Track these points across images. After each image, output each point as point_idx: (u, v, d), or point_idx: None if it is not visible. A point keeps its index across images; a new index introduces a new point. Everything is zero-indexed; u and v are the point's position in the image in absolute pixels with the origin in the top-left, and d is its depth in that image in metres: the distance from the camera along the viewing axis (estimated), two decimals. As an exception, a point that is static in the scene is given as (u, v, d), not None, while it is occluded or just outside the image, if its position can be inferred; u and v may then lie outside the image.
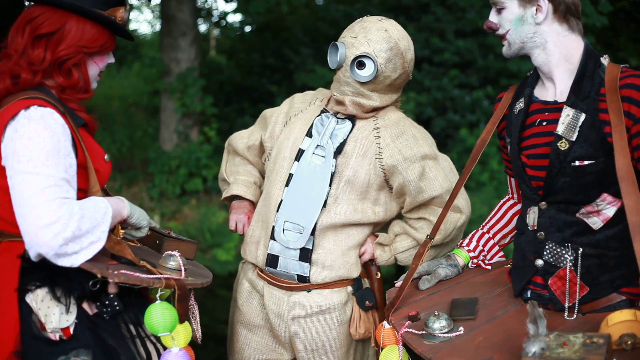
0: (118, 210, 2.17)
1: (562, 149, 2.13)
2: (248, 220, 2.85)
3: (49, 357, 2.05)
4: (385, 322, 2.36)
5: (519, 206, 2.54)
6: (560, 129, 2.15)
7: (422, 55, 10.69)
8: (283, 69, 12.30)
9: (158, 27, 14.72)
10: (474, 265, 2.55)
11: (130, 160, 10.71)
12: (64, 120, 2.10)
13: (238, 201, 2.91)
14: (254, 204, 2.90)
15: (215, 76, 12.71)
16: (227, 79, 13.04)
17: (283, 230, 2.64)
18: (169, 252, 2.17)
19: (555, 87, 2.24)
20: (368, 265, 2.75)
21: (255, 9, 10.05)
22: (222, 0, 13.80)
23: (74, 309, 2.11)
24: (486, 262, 2.55)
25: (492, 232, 2.58)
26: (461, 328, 2.15)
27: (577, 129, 2.12)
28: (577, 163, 2.12)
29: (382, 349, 2.36)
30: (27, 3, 2.22)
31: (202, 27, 16.61)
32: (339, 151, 2.65)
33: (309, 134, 2.71)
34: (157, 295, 2.09)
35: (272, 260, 2.68)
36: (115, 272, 2.00)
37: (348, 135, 2.66)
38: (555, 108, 2.21)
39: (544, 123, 2.22)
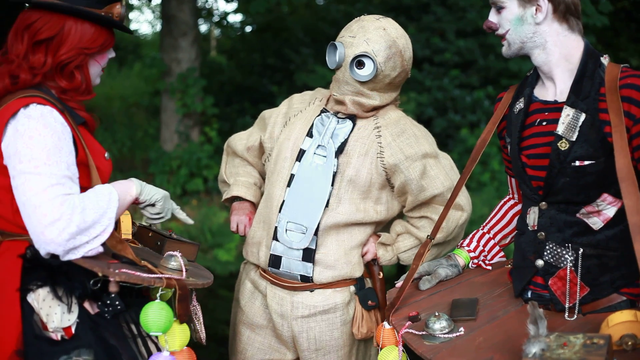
0: (125, 191, 2.18)
1: (562, 149, 2.13)
2: (249, 221, 2.85)
3: (51, 357, 2.05)
4: (385, 323, 2.36)
5: (519, 206, 2.54)
6: (560, 129, 2.15)
7: (422, 55, 10.68)
8: (284, 69, 12.31)
9: (159, 27, 14.72)
10: (475, 266, 2.55)
11: (131, 161, 10.71)
12: (63, 119, 2.11)
13: (238, 202, 2.91)
14: (254, 205, 2.90)
15: (216, 76, 12.71)
16: (227, 79, 13.05)
17: (286, 230, 2.64)
18: (170, 253, 2.17)
19: (556, 87, 2.23)
20: (370, 265, 2.75)
21: (256, 9, 10.05)
22: (223, 0, 13.79)
23: (75, 309, 2.11)
24: (487, 262, 2.55)
25: (492, 232, 2.58)
26: (461, 329, 2.15)
27: (577, 129, 2.12)
28: (577, 163, 2.12)
29: (381, 349, 2.36)
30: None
31: (203, 27, 16.62)
32: (340, 151, 2.65)
33: (310, 134, 2.71)
34: (158, 295, 2.09)
35: (275, 260, 2.68)
36: (117, 271, 2.00)
37: (349, 135, 2.67)
38: (555, 108, 2.21)
39: (544, 123, 2.22)
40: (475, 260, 2.55)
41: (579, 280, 2.16)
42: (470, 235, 2.61)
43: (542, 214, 2.23)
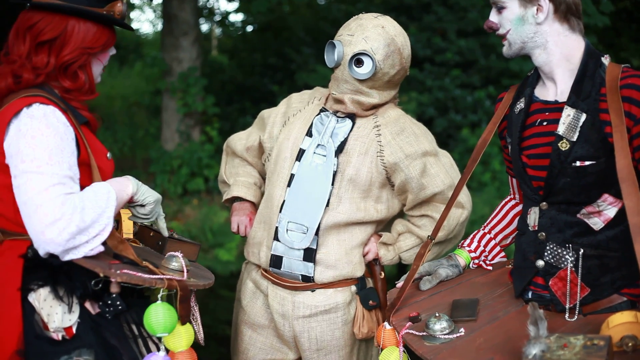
0: (122, 189, 2.18)
1: (563, 149, 2.13)
2: (250, 222, 2.85)
3: (52, 357, 2.05)
4: (386, 323, 2.36)
5: (520, 207, 2.54)
6: (561, 129, 2.15)
7: (423, 55, 10.68)
8: (285, 68, 12.31)
9: (160, 26, 14.72)
10: (475, 266, 2.55)
11: (131, 160, 10.71)
12: (66, 118, 2.11)
13: (239, 203, 2.91)
14: (255, 205, 2.90)
15: (217, 76, 12.71)
16: (228, 79, 13.05)
17: (287, 230, 2.64)
18: (172, 253, 2.17)
19: (556, 87, 2.23)
20: (372, 265, 2.75)
21: (257, 9, 10.05)
22: (224, -1, 13.83)
23: (76, 309, 2.12)
24: (487, 262, 2.55)
25: (493, 232, 2.58)
26: (462, 329, 2.15)
27: (578, 129, 2.12)
28: (577, 163, 2.12)
29: (382, 350, 2.36)
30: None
31: (204, 27, 16.61)
32: (340, 150, 2.65)
33: (309, 133, 2.70)
34: (159, 296, 2.09)
35: (276, 261, 2.68)
36: (118, 272, 2.01)
37: (349, 134, 2.67)
38: (555, 108, 2.21)
39: (545, 123, 2.22)
40: (476, 261, 2.55)
41: (579, 280, 2.16)
42: (471, 236, 2.61)
43: (542, 214, 2.23)
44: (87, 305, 2.16)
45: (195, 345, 2.24)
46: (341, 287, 2.71)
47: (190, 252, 2.46)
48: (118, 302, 2.14)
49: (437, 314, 2.16)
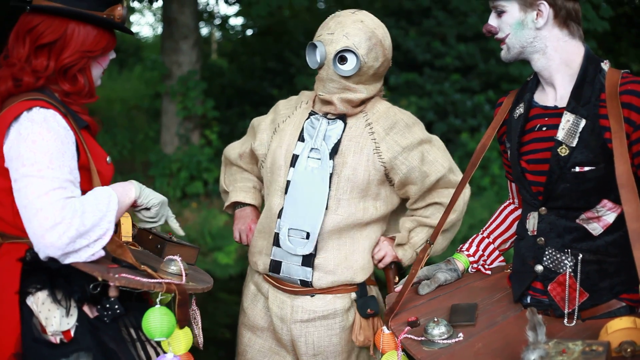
0: (124, 193, 2.18)
1: (562, 154, 2.13)
2: (250, 230, 2.85)
3: (50, 360, 2.05)
4: (384, 328, 2.36)
5: (519, 211, 2.54)
6: (560, 134, 2.15)
7: (423, 60, 10.70)
8: (284, 72, 12.32)
9: (160, 30, 14.73)
10: (474, 270, 2.55)
11: (131, 163, 10.71)
12: (66, 122, 2.11)
13: (240, 209, 2.93)
14: (257, 208, 2.91)
15: (216, 79, 12.73)
16: (228, 82, 13.06)
17: (288, 237, 2.64)
18: (170, 257, 2.17)
19: (556, 92, 2.23)
20: (387, 271, 2.75)
21: (257, 13, 10.05)
22: (224, 3, 13.80)
23: (74, 312, 2.11)
24: (486, 267, 2.55)
25: (492, 236, 2.57)
26: (460, 334, 2.15)
27: (578, 134, 2.12)
28: (577, 169, 2.12)
29: (382, 355, 2.36)
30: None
31: (204, 30, 16.63)
32: (334, 152, 2.64)
33: (301, 138, 2.69)
34: (158, 300, 2.09)
35: (275, 266, 2.68)
36: (116, 276, 2.00)
37: (342, 135, 2.66)
38: (555, 113, 2.21)
39: (544, 128, 2.22)
40: (475, 265, 2.55)
41: (578, 285, 2.16)
42: (470, 240, 2.61)
43: (541, 219, 2.23)
44: (86, 308, 2.15)
45: (193, 349, 2.24)
46: (341, 294, 2.70)
47: (189, 256, 2.46)
48: (116, 306, 2.14)
49: (435, 319, 2.15)
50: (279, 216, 2.66)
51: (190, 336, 2.18)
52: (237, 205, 2.95)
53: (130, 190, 2.22)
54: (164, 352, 2.17)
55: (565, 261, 2.18)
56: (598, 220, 2.16)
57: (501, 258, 2.58)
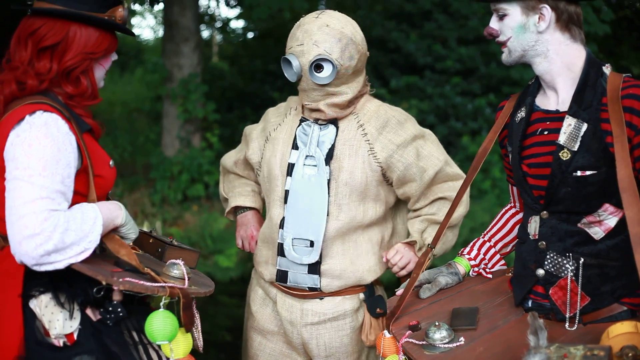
0: (111, 218, 2.16)
1: (564, 159, 2.13)
2: (252, 238, 2.85)
3: (53, 363, 2.05)
4: (385, 331, 2.36)
5: (521, 215, 2.54)
6: (562, 138, 2.15)
7: (424, 63, 10.70)
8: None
9: (161, 32, 14.75)
10: (475, 274, 2.55)
11: (132, 166, 10.72)
12: (68, 127, 2.10)
13: (241, 215, 2.93)
14: (258, 212, 2.92)
15: (217, 82, 12.74)
16: (229, 85, 13.07)
17: (292, 247, 2.64)
18: (173, 261, 2.17)
19: (558, 96, 2.23)
20: (404, 280, 2.69)
21: (258, 16, 10.05)
22: (225, 6, 13.82)
23: (77, 315, 2.12)
24: (487, 270, 2.54)
25: (493, 240, 2.57)
26: (462, 338, 2.15)
27: (579, 139, 2.12)
28: (578, 173, 2.12)
29: (383, 359, 2.36)
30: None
31: (205, 33, 16.66)
32: (329, 157, 2.63)
33: (295, 146, 2.68)
34: (161, 304, 2.09)
35: (282, 275, 2.69)
36: (120, 280, 2.01)
37: (335, 140, 2.64)
38: (556, 117, 2.21)
39: (546, 132, 2.22)
40: (476, 269, 2.54)
41: (579, 289, 2.15)
42: (471, 244, 2.61)
43: (543, 223, 2.22)
44: (88, 311, 2.15)
45: (193, 353, 2.24)
46: (349, 295, 2.71)
47: (190, 259, 2.46)
48: (119, 309, 2.14)
49: (437, 323, 2.15)
50: (281, 226, 2.66)
51: (190, 340, 2.19)
52: (237, 211, 2.95)
53: (118, 217, 2.19)
54: (167, 357, 2.18)
55: (567, 265, 2.17)
56: (600, 224, 2.16)
57: (502, 262, 2.58)
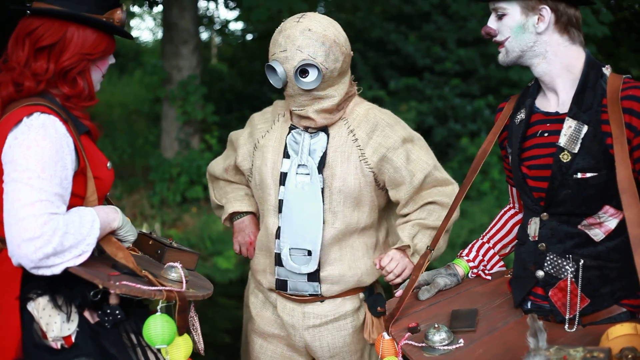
0: (108, 222, 2.15)
1: (565, 161, 2.13)
2: (250, 245, 2.84)
3: (51, 366, 2.05)
4: (385, 333, 2.35)
5: (520, 216, 2.54)
6: (562, 140, 2.15)
7: (423, 64, 10.70)
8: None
9: (160, 34, 14.75)
10: (474, 275, 2.55)
11: (131, 168, 10.70)
12: (66, 129, 2.10)
13: (239, 221, 2.90)
14: (255, 215, 2.90)
15: (216, 84, 12.73)
16: (228, 87, 13.06)
17: (290, 257, 2.63)
18: (171, 264, 2.17)
19: (558, 98, 2.23)
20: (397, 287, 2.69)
21: (257, 17, 10.03)
22: (224, 8, 13.82)
23: (75, 318, 2.11)
24: (486, 272, 2.54)
25: (492, 242, 2.57)
26: (461, 340, 2.15)
27: (580, 140, 2.12)
28: (579, 175, 2.12)
29: (382, 360, 2.36)
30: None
31: (204, 35, 16.65)
32: (322, 165, 2.62)
33: (286, 155, 2.66)
34: (158, 307, 2.08)
35: (282, 284, 2.69)
36: (117, 284, 2.00)
37: (326, 147, 2.63)
38: (556, 119, 2.21)
39: (546, 134, 2.22)
40: (475, 270, 2.54)
41: (579, 291, 2.15)
42: (470, 245, 2.61)
43: (543, 225, 2.22)
44: (86, 314, 2.15)
45: (193, 355, 2.23)
46: (350, 296, 2.72)
47: (189, 261, 2.46)
48: (117, 311, 2.14)
49: (436, 325, 2.15)
50: (277, 236, 2.65)
51: (190, 343, 2.18)
52: (234, 216, 2.93)
53: (115, 220, 2.19)
54: (165, 360, 2.18)
55: (567, 267, 2.17)
56: (600, 226, 2.16)
57: (501, 263, 2.58)
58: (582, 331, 2.14)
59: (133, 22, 20.25)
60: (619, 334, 1.87)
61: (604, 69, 2.19)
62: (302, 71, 2.53)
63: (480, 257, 2.55)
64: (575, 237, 2.17)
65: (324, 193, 2.61)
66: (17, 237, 1.94)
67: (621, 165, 2.01)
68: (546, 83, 2.25)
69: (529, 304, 2.28)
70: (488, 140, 2.41)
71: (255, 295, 2.85)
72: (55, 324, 2.08)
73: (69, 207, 2.08)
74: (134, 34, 19.33)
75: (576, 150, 2.12)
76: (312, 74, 2.53)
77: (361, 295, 2.73)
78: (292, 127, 2.68)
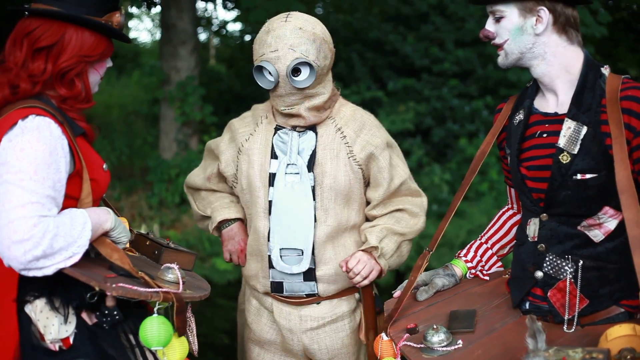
0: (100, 223, 2.14)
1: (564, 162, 2.13)
2: (242, 252, 2.81)
3: (49, 368, 2.04)
4: (383, 334, 2.35)
5: (518, 216, 2.54)
6: (561, 141, 2.14)
7: (421, 65, 10.70)
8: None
9: (158, 35, 14.73)
10: (472, 276, 2.55)
11: (129, 169, 10.69)
12: (61, 130, 2.09)
13: (227, 230, 2.84)
14: (242, 221, 2.85)
15: (214, 85, 12.72)
16: (226, 88, 13.05)
17: (281, 257, 2.63)
18: (168, 265, 2.16)
19: (557, 98, 2.23)
20: (369, 291, 2.66)
21: (255, 18, 10.03)
22: (222, 9, 13.82)
23: (73, 319, 2.11)
24: (484, 272, 2.54)
25: (490, 242, 2.57)
26: (460, 341, 2.14)
27: (579, 142, 2.12)
28: (578, 176, 2.12)
29: (380, 361, 2.35)
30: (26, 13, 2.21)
31: (202, 36, 16.64)
32: (312, 163, 2.61)
33: (273, 155, 2.64)
34: (156, 309, 2.08)
35: (277, 286, 2.68)
36: (113, 286, 1.99)
37: (315, 145, 2.63)
38: (555, 120, 2.21)
39: (544, 135, 2.22)
40: (473, 271, 2.54)
41: (578, 292, 2.15)
42: (468, 246, 2.61)
43: (542, 226, 2.22)
44: (84, 315, 2.15)
45: (189, 356, 2.23)
46: (345, 296, 2.72)
47: (187, 262, 2.45)
48: (115, 312, 2.13)
49: (434, 326, 2.15)
50: (268, 239, 2.64)
51: (186, 344, 2.18)
52: (222, 225, 2.86)
53: (106, 222, 2.18)
54: (161, 362, 2.17)
55: (566, 267, 2.17)
56: (599, 227, 2.16)
57: (499, 264, 2.58)
58: (580, 332, 2.15)
59: (131, 23, 20.25)
60: (617, 334, 1.87)
61: (602, 69, 2.19)
62: (295, 70, 2.52)
63: (478, 258, 2.55)
64: (574, 238, 2.17)
65: (315, 191, 2.61)
66: (6, 239, 1.92)
67: (620, 165, 2.01)
68: (545, 84, 2.25)
69: (527, 305, 2.28)
70: (486, 141, 2.42)
71: (249, 303, 2.84)
72: (53, 326, 2.07)
73: (63, 208, 2.07)
74: (132, 35, 19.33)
75: (576, 151, 2.11)
76: (305, 72, 2.53)
77: (357, 295, 2.73)
78: (277, 128, 2.67)
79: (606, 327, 1.98)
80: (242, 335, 2.92)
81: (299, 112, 2.58)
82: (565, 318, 2.17)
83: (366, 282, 2.58)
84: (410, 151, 9.89)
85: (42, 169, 1.99)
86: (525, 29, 2.20)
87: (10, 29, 2.21)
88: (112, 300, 2.11)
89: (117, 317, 2.14)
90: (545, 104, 2.27)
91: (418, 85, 10.57)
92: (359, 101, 8.64)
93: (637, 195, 2.00)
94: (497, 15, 2.24)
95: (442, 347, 2.12)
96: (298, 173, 2.61)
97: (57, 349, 2.08)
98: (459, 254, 2.59)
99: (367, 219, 2.75)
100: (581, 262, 2.15)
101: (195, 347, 2.32)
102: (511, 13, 2.21)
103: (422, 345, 2.15)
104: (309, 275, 2.64)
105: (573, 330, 2.16)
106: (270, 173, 2.63)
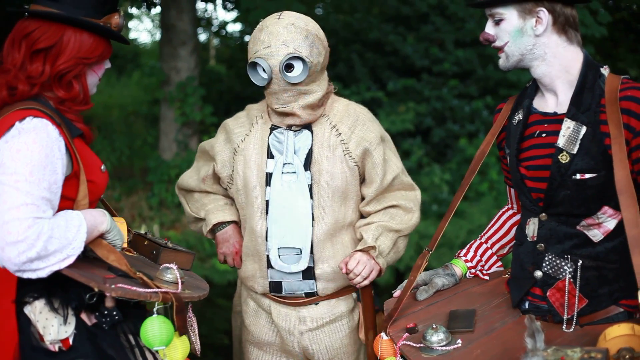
0: (95, 225, 2.13)
1: (563, 162, 2.13)
2: (237, 254, 2.80)
3: (49, 368, 2.05)
4: (383, 334, 2.35)
5: (518, 216, 2.54)
6: (561, 141, 2.14)
7: (421, 65, 10.70)
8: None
9: (158, 36, 14.74)
10: (472, 276, 2.55)
11: (129, 169, 10.69)
12: (58, 132, 2.08)
13: (222, 232, 2.83)
14: (237, 224, 2.84)
15: (214, 85, 12.72)
16: (226, 89, 13.05)
17: (279, 257, 2.62)
18: (166, 265, 2.16)
19: (557, 99, 2.23)
20: (368, 291, 2.67)
21: (255, 19, 9.97)
22: (222, 9, 13.83)
23: (72, 320, 2.11)
24: (484, 272, 2.54)
25: (490, 242, 2.57)
26: (459, 341, 2.15)
27: (578, 141, 2.12)
28: (578, 176, 2.12)
29: (380, 361, 2.35)
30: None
31: (202, 37, 16.64)
32: (308, 162, 2.61)
33: (270, 155, 2.64)
34: (155, 310, 2.08)
35: (276, 286, 2.68)
36: (113, 286, 1.99)
37: (312, 144, 2.63)
38: (554, 120, 2.21)
39: (544, 135, 2.22)
40: (473, 270, 2.54)
41: (577, 291, 2.15)
42: (468, 246, 2.61)
43: (542, 225, 2.22)
44: (83, 316, 2.15)
45: (191, 356, 2.23)
46: (343, 296, 2.72)
47: (185, 261, 2.45)
48: (114, 313, 2.13)
49: (434, 325, 2.15)
50: (266, 238, 2.64)
51: (187, 344, 2.18)
52: (217, 227, 2.84)
53: (102, 224, 2.17)
54: (162, 362, 2.17)
55: (565, 267, 2.17)
56: (598, 226, 2.16)
57: (499, 263, 2.58)
58: (579, 331, 2.15)
59: (131, 24, 20.25)
60: (616, 334, 1.87)
61: (602, 69, 2.19)
62: (288, 66, 2.53)
63: (478, 258, 2.55)
64: (574, 238, 2.17)
65: (312, 189, 2.61)
66: (1, 240, 1.91)
67: (619, 165, 2.02)
68: (545, 84, 2.25)
69: (526, 304, 2.28)
70: (486, 141, 2.42)
71: (247, 304, 2.83)
72: (52, 327, 2.07)
73: (59, 209, 2.07)
74: (132, 35, 19.33)
75: (575, 151, 2.12)
76: (298, 68, 2.53)
77: (354, 295, 2.74)
78: (273, 128, 2.67)
79: (605, 326, 1.98)
80: (238, 337, 2.91)
81: (293, 111, 2.58)
82: (564, 318, 2.17)
83: (366, 282, 2.60)
84: (410, 151, 9.90)
85: (37, 170, 1.98)
86: (525, 30, 2.20)
87: (8, 30, 2.21)
88: (111, 301, 2.11)
89: (116, 317, 2.14)
90: (545, 103, 2.27)
91: (418, 86, 10.57)
92: (359, 101, 8.63)
93: (636, 195, 2.00)
94: (496, 18, 2.24)
95: (442, 346, 2.12)
96: (295, 172, 2.61)
97: (57, 349, 2.08)
98: (459, 253, 2.59)
99: (362, 215, 2.76)
100: (580, 261, 2.16)
101: (198, 347, 2.32)
102: (510, 15, 2.21)
103: (421, 345, 2.15)
104: (308, 273, 2.64)
105: (572, 329, 2.16)
106: (267, 173, 2.63)
